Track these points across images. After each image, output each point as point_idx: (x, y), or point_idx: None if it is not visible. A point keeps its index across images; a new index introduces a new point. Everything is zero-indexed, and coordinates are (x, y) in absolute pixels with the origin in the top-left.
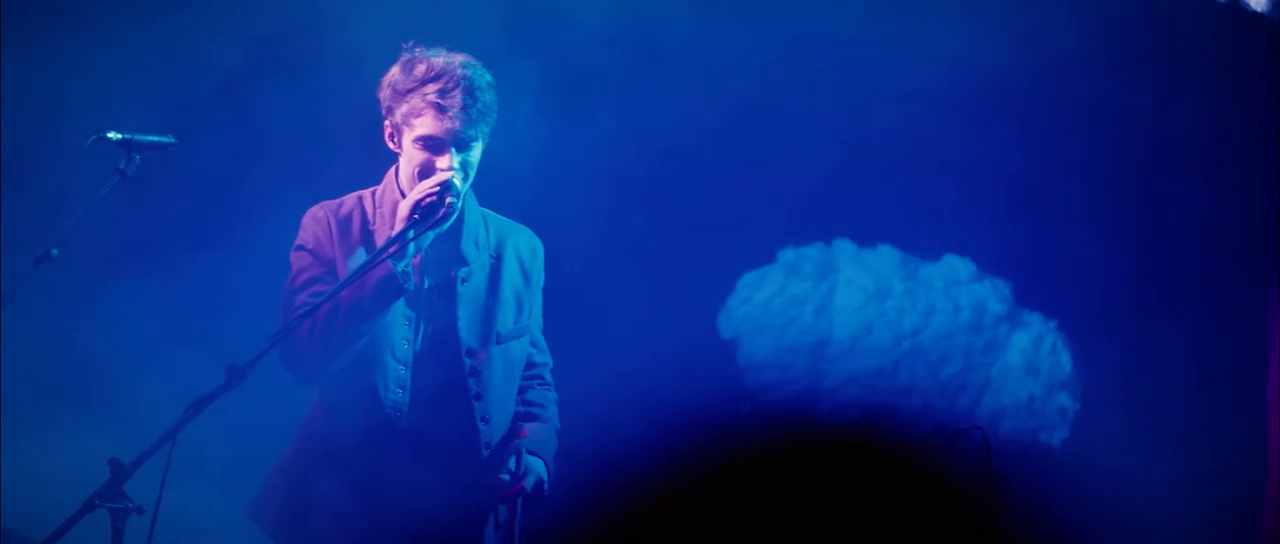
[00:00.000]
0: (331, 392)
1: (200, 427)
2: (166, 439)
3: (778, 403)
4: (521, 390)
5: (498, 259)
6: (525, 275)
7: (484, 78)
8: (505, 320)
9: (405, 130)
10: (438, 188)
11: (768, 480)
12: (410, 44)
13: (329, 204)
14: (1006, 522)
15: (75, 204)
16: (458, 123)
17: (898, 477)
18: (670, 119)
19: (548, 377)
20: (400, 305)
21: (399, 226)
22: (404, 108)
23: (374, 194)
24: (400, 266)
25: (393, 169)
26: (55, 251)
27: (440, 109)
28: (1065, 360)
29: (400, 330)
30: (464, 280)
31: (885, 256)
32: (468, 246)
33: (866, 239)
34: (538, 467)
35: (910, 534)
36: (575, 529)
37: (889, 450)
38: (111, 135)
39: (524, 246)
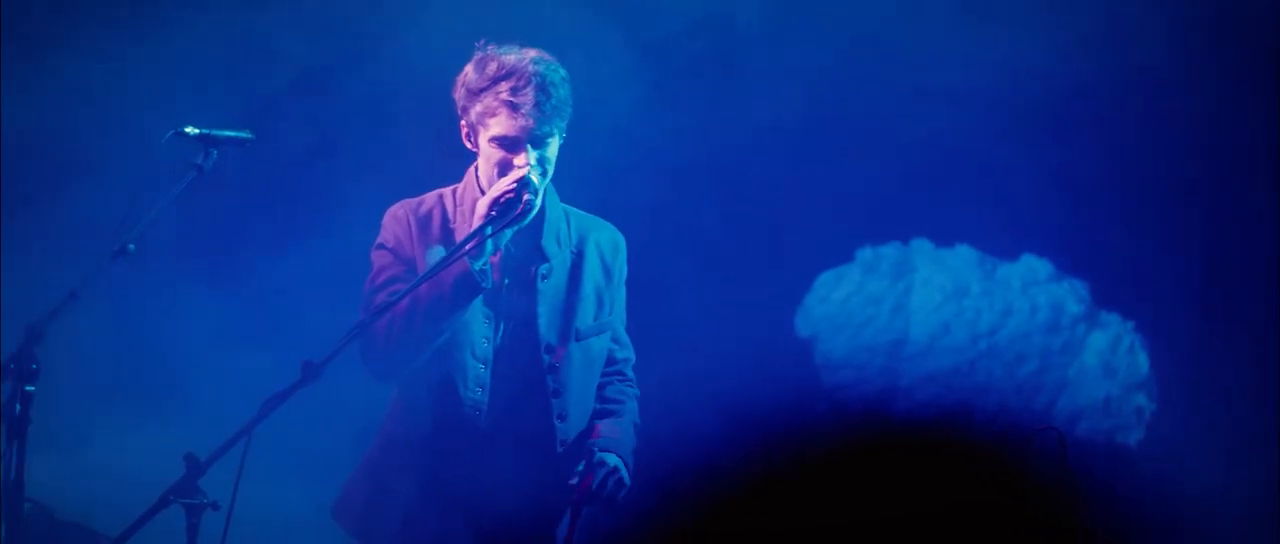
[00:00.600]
0: (411, 390)
1: (276, 423)
2: (241, 435)
3: (854, 402)
4: (601, 386)
5: (579, 255)
6: (607, 271)
7: (557, 73)
8: (585, 317)
9: (481, 129)
10: (515, 185)
11: (844, 479)
12: (483, 42)
13: (409, 202)
14: (1083, 522)
15: (152, 199)
16: (531, 120)
17: (974, 477)
18: (748, 116)
19: (629, 372)
20: (480, 303)
21: (476, 224)
22: (478, 107)
23: (455, 192)
24: (478, 265)
25: (473, 167)
26: (132, 247)
27: (513, 107)
28: (1142, 361)
29: (480, 328)
30: (544, 276)
31: (962, 256)
32: (548, 243)
33: (944, 238)
34: (612, 460)
35: (986, 534)
36: (650, 527)
37: (965, 450)
38: (189, 130)
39: (606, 242)
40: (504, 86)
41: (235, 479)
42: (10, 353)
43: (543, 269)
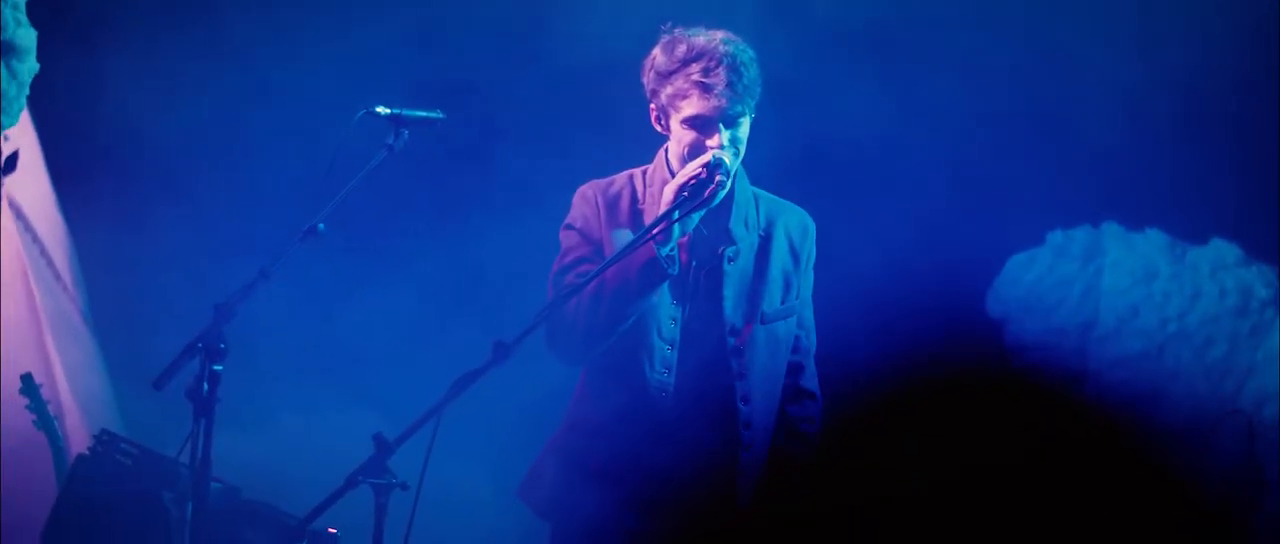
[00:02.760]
0: (599, 372)
1: (463, 403)
2: (431, 415)
3: (1044, 385)
4: (788, 388)
5: (766, 238)
6: (794, 255)
7: (746, 53)
8: (772, 300)
9: (672, 112)
10: (705, 167)
11: (1032, 462)
12: (669, 25)
13: (598, 183)
14: (1267, 506)
15: (342, 179)
16: (724, 100)
17: (1161, 460)
18: (937, 103)
19: (809, 365)
20: (667, 284)
21: (665, 207)
22: (669, 89)
23: (645, 173)
24: (665, 250)
25: (663, 149)
26: (322, 227)
27: (706, 88)
28: None
29: (667, 309)
30: (731, 259)
31: (1152, 240)
32: (736, 225)
33: (1134, 222)
34: None
35: (1172, 519)
36: (840, 510)
37: (1153, 434)
38: (380, 110)
39: (794, 225)
40: (695, 68)
41: (424, 459)
42: (199, 332)
43: (729, 251)
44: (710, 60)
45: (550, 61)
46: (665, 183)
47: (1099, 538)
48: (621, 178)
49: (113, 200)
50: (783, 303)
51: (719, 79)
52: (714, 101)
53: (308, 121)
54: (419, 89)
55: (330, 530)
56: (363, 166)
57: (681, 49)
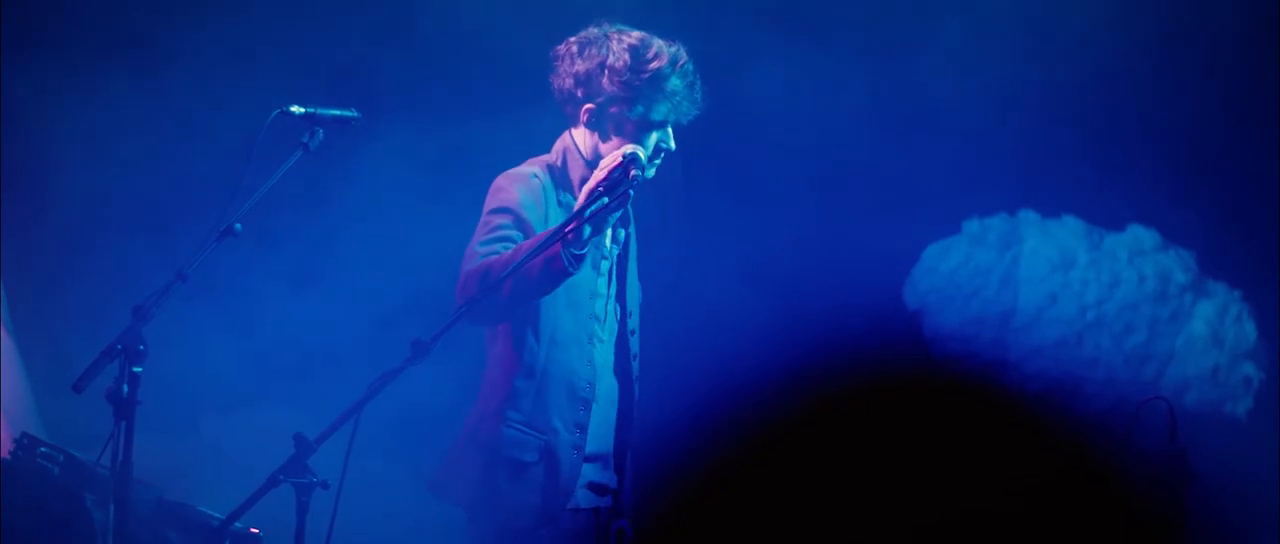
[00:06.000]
0: (535, 371)
1: (385, 402)
2: (351, 414)
3: (963, 374)
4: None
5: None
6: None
7: None
8: (639, 279)
9: (629, 113)
10: (619, 164)
11: (955, 452)
12: (605, 24)
13: (534, 171)
14: (1191, 492)
15: (257, 178)
16: (697, 106)
17: (1082, 448)
18: (854, 91)
19: None
20: (601, 281)
21: (585, 201)
22: (633, 90)
23: (552, 167)
24: (579, 251)
25: (568, 141)
26: (238, 227)
27: (683, 94)
28: (1250, 330)
29: (588, 307)
30: (622, 245)
31: (1069, 227)
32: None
33: (1050, 209)
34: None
35: (1096, 506)
36: (760, 500)
37: (1074, 422)
38: (294, 109)
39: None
40: (677, 77)
41: (345, 458)
42: (118, 334)
43: (622, 238)
44: (681, 67)
45: (477, 56)
46: (584, 175)
47: (1021, 527)
48: (539, 168)
49: (31, 203)
50: (639, 282)
51: (694, 86)
52: (686, 107)
53: (224, 124)
54: (343, 89)
55: (253, 530)
56: (279, 166)
57: (654, 54)
